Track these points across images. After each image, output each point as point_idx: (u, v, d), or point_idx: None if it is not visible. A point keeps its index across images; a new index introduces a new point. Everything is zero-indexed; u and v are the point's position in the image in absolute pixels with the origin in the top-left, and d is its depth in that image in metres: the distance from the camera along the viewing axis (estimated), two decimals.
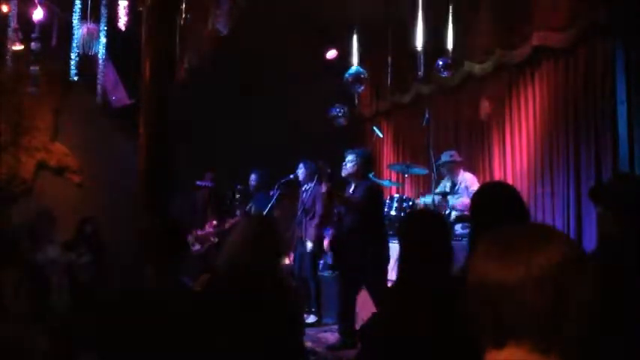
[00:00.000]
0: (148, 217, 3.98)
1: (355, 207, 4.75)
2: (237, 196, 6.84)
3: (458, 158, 5.95)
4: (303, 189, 5.82)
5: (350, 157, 4.91)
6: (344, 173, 4.97)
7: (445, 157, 5.94)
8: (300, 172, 5.93)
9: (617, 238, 1.98)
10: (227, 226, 6.36)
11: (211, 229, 6.50)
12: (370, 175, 5.20)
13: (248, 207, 6.64)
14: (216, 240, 6.45)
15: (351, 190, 4.96)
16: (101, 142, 6.75)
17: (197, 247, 6.50)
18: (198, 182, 6.78)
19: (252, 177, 6.72)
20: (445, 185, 6.01)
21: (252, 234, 2.42)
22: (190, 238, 6.51)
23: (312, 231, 5.64)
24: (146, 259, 2.43)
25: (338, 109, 7.04)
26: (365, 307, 4.78)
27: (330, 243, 5.59)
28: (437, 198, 5.85)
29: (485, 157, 6.37)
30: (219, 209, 6.72)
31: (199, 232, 6.53)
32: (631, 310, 1.74)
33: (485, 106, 6.30)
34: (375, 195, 4.93)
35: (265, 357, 2.23)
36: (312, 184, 5.62)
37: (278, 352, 2.25)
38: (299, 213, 5.73)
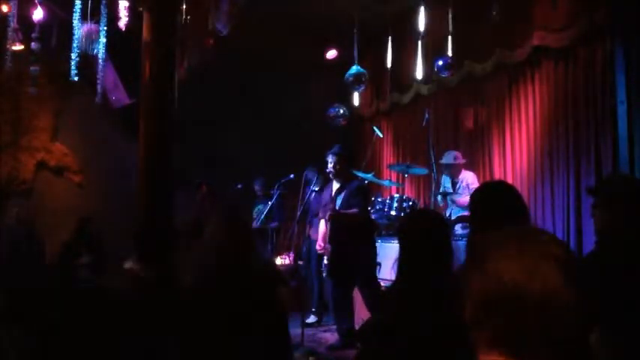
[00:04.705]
0: (142, 217, 3.99)
1: (360, 219, 4.78)
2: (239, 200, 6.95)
3: (460, 161, 5.94)
4: (312, 189, 5.82)
5: (330, 159, 4.96)
6: (330, 176, 5.05)
7: (448, 159, 5.90)
8: (311, 177, 5.90)
9: (617, 235, 1.99)
10: None
11: None
12: (356, 173, 5.24)
13: (255, 214, 6.75)
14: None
15: (334, 190, 4.99)
16: (101, 142, 6.74)
17: None
18: (195, 181, 6.80)
19: (257, 185, 6.87)
20: (446, 185, 6.01)
21: (221, 234, 2.41)
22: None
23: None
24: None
25: (337, 109, 7.05)
26: (364, 307, 4.79)
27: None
28: (440, 199, 5.88)
29: (485, 157, 6.37)
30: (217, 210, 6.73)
31: None
32: (635, 306, 1.75)
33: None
34: (367, 196, 5.05)
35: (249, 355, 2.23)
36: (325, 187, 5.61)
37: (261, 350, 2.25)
38: (298, 213, 5.72)
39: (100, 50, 4.89)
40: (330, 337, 5.11)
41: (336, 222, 4.85)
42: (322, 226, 5.24)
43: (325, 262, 5.03)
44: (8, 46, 4.90)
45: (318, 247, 5.33)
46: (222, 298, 2.24)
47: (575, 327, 0.83)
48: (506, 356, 0.83)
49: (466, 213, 5.40)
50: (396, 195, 6.21)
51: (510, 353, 0.83)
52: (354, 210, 4.77)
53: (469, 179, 5.82)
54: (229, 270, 2.30)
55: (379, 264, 5.18)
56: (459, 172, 5.91)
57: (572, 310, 0.82)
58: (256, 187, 7.09)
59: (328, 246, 4.97)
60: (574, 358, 0.83)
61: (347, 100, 7.23)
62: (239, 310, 2.21)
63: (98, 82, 5.04)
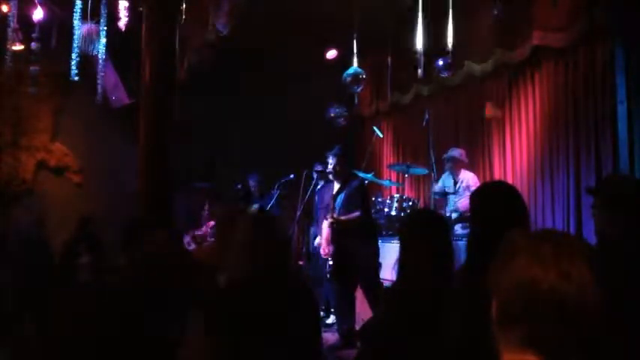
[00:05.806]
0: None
1: (360, 221, 4.78)
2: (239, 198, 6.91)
3: (464, 158, 5.94)
4: (318, 188, 5.82)
5: (330, 160, 4.98)
6: (330, 177, 5.08)
7: (452, 153, 5.92)
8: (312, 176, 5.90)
9: (617, 238, 1.99)
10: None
11: (209, 230, 6.50)
12: (355, 172, 5.24)
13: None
14: (213, 240, 6.46)
15: (335, 190, 4.99)
16: (101, 142, 6.73)
17: (193, 246, 6.51)
18: (196, 184, 6.80)
19: (252, 181, 6.84)
20: (446, 184, 6.00)
21: (255, 234, 2.39)
22: (187, 238, 6.53)
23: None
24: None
25: (336, 110, 7.05)
26: (365, 307, 4.79)
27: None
28: (437, 197, 5.88)
29: (485, 157, 6.37)
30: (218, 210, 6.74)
31: (197, 233, 6.55)
32: (635, 308, 1.75)
33: (490, 109, 6.31)
34: (365, 195, 5.05)
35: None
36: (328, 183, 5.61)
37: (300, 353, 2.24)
38: (298, 213, 5.72)
39: (100, 50, 4.90)
40: (331, 337, 5.11)
41: (338, 226, 4.86)
42: (325, 227, 5.25)
43: (330, 262, 5.03)
44: (8, 46, 4.90)
45: (322, 253, 5.32)
46: (261, 298, 2.21)
47: (603, 327, 0.85)
48: (539, 356, 0.84)
49: (466, 212, 5.41)
50: (396, 195, 6.21)
51: (544, 353, 0.84)
52: (356, 213, 4.78)
53: (470, 181, 5.81)
54: (269, 270, 2.27)
55: (380, 264, 5.18)
56: (460, 170, 5.91)
57: (601, 310, 0.85)
58: (251, 183, 7.00)
59: (331, 247, 4.96)
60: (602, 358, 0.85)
61: (347, 100, 7.23)
62: (276, 310, 2.19)
63: (98, 82, 5.04)
